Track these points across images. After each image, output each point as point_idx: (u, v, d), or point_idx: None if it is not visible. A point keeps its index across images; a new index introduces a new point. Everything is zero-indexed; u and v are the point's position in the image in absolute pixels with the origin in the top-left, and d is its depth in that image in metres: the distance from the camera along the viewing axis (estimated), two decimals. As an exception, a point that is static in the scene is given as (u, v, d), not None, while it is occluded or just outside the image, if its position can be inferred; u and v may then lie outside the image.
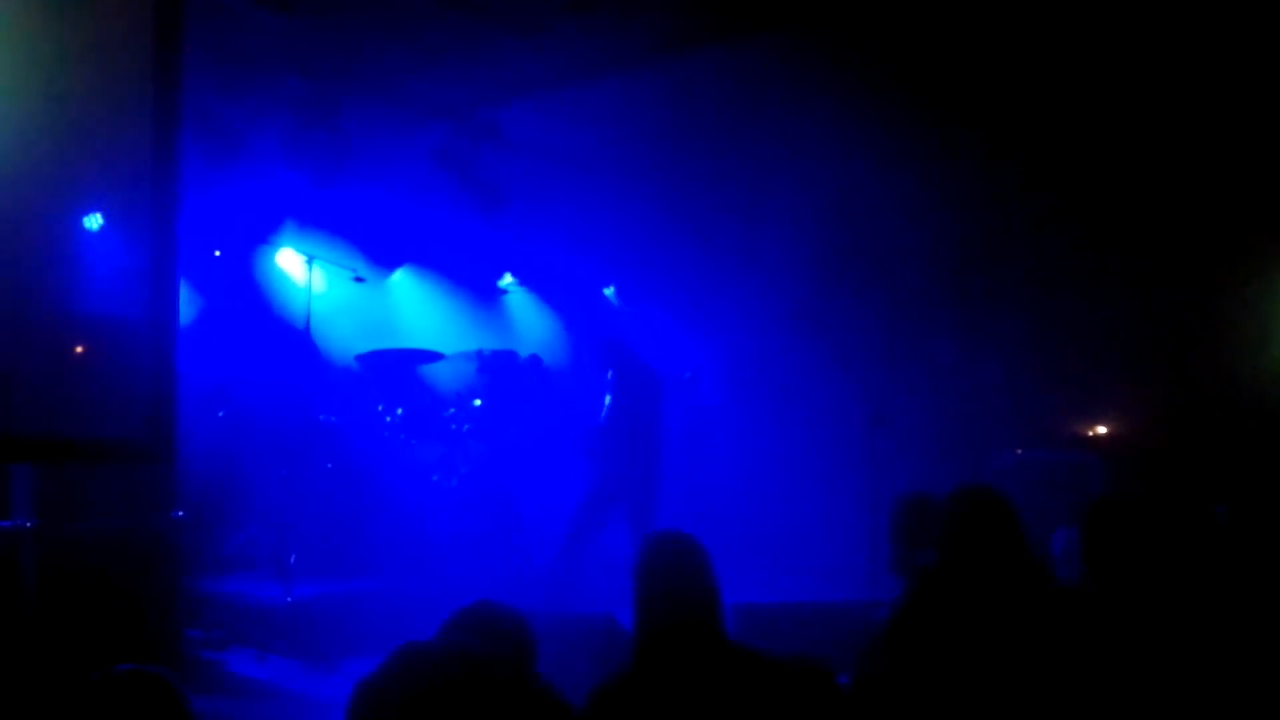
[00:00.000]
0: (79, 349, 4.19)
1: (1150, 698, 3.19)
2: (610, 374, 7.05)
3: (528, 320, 10.41)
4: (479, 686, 2.23)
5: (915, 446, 7.84)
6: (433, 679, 2.20)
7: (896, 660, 3.33)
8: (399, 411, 8.31)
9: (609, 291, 10.38)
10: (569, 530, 7.02)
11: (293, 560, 6.81)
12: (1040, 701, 3.13)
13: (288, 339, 7.98)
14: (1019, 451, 7.49)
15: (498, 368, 8.56)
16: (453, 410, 8.29)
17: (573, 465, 7.90)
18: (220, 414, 7.67)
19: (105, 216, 4.29)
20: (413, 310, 9.83)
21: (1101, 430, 7.89)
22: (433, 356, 8.62)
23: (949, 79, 7.02)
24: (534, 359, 8.74)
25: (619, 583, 3.31)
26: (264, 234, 8.40)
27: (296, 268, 7.93)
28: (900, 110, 7.33)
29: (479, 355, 8.56)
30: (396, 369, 8.58)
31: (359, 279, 8.01)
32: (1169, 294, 7.66)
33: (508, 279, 10.24)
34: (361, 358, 8.57)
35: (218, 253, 8.32)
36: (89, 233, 4.28)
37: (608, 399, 6.98)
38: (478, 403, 8.32)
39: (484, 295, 10.20)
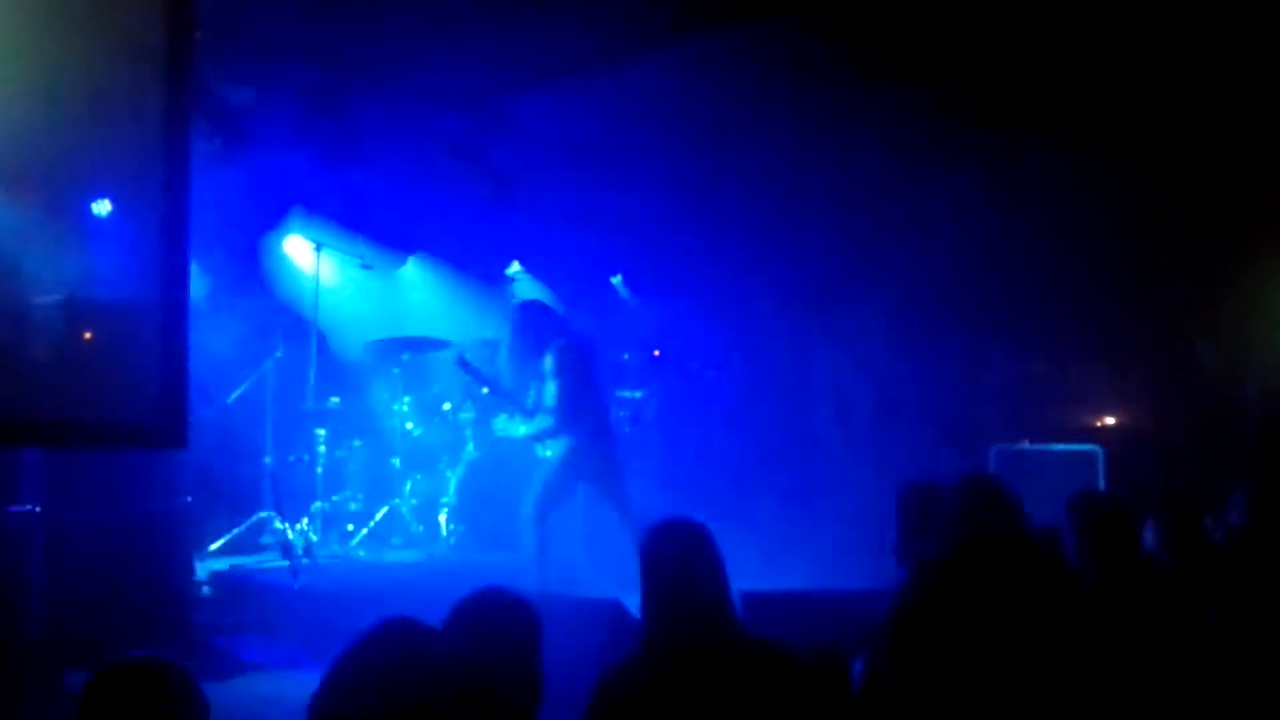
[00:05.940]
0: (89, 334, 4.20)
1: (1157, 687, 3.20)
2: (547, 359, 6.63)
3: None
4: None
5: (923, 436, 7.83)
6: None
7: (898, 649, 3.33)
8: (407, 399, 8.32)
9: (616, 279, 10.35)
10: (532, 516, 6.64)
11: (302, 546, 6.85)
12: (1044, 691, 3.13)
13: (296, 325, 7.99)
14: (1026, 442, 7.48)
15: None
16: (460, 398, 8.30)
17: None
18: (229, 400, 7.69)
19: (114, 202, 4.29)
20: (421, 298, 9.83)
21: (1108, 421, 7.88)
22: (440, 344, 8.62)
23: (956, 74, 7.01)
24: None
25: (626, 569, 3.32)
26: (272, 220, 8.40)
27: (305, 255, 7.95)
28: (910, 104, 7.31)
29: (487, 343, 8.55)
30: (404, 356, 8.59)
31: (367, 266, 8.03)
32: (1176, 285, 7.64)
33: (515, 267, 10.22)
34: (369, 345, 8.59)
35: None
36: (98, 218, 4.28)
37: (549, 385, 6.56)
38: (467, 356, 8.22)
39: (492, 283, 10.19)
